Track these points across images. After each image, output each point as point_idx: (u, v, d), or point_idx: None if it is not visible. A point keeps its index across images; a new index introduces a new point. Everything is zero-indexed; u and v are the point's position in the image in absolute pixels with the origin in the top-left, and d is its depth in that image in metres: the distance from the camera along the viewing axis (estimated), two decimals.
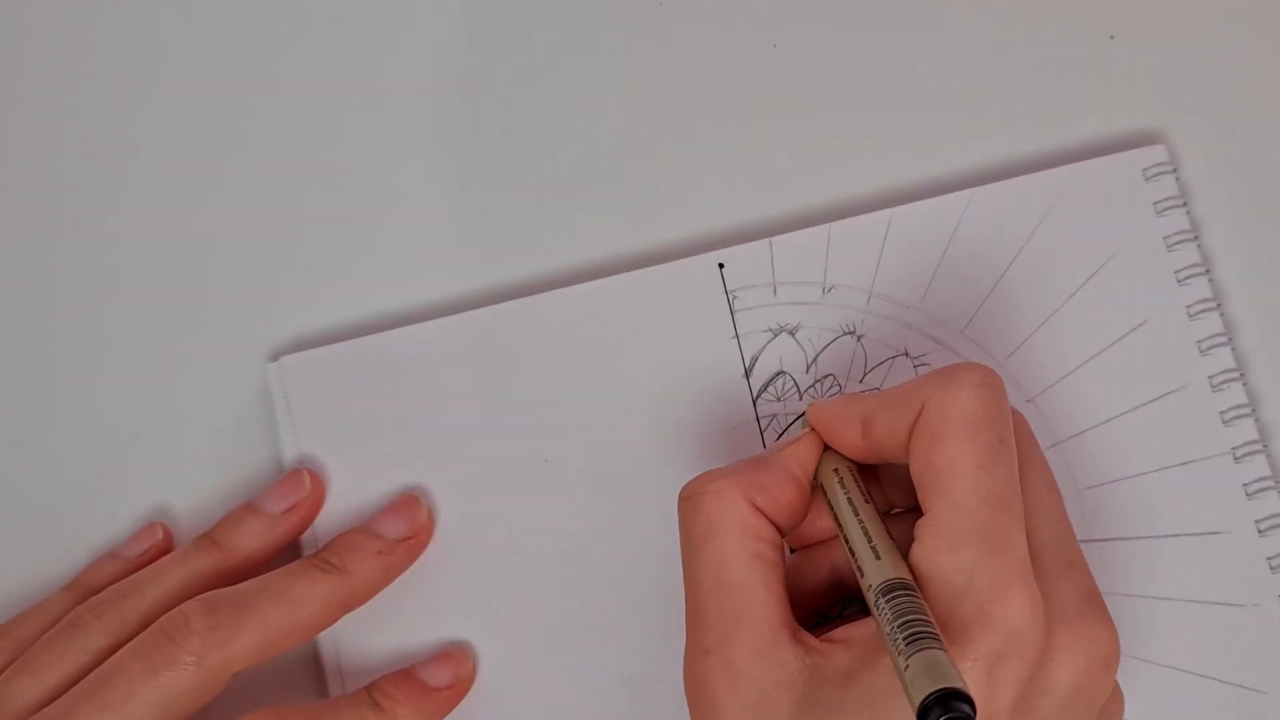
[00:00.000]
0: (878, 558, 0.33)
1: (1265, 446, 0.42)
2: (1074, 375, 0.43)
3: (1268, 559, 0.41)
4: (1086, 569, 0.34)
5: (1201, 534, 0.42)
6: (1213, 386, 0.43)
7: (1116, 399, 0.43)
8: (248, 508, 0.41)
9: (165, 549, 0.42)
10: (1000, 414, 0.34)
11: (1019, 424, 0.36)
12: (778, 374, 0.43)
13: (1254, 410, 0.43)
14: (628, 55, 0.47)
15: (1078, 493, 0.42)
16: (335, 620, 0.40)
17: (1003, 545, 0.32)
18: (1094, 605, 0.34)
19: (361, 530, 0.41)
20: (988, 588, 0.31)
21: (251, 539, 0.41)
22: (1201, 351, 0.43)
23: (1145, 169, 0.44)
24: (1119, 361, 0.43)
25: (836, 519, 0.35)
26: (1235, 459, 0.42)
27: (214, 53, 0.47)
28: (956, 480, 0.33)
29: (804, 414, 0.42)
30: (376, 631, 0.42)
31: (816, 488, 0.37)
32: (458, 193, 0.46)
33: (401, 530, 0.41)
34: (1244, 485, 0.42)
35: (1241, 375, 0.43)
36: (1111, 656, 0.34)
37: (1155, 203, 0.44)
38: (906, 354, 0.43)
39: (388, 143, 0.46)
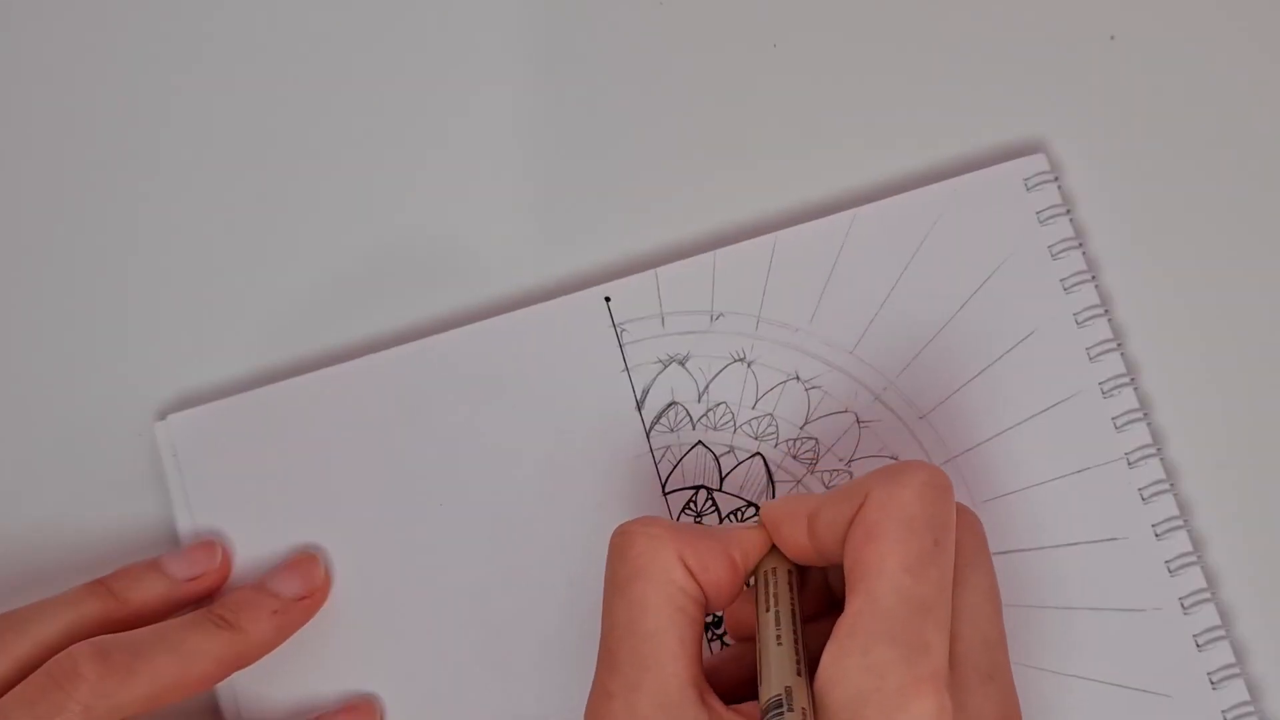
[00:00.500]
0: (771, 672, 0.32)
1: (1159, 450, 0.42)
2: (966, 389, 0.43)
3: (1166, 562, 0.42)
4: (1010, 684, 0.34)
5: (1099, 541, 0.42)
6: (1104, 393, 0.43)
7: (1009, 410, 0.43)
8: (153, 565, 0.41)
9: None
10: (940, 516, 0.33)
11: (970, 526, 0.35)
12: (670, 405, 0.43)
13: (1145, 414, 0.43)
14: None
15: (974, 505, 0.42)
16: (227, 676, 0.40)
17: (916, 650, 0.31)
18: None
19: (257, 588, 0.41)
20: (895, 692, 0.31)
21: (149, 597, 0.40)
22: (1091, 358, 0.43)
23: (1027, 179, 0.44)
24: (1010, 373, 0.43)
25: (758, 621, 0.35)
26: (1129, 464, 0.42)
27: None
28: (882, 580, 0.32)
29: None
30: (277, 682, 0.41)
31: (753, 583, 0.36)
32: (347, 233, 0.46)
33: (297, 589, 0.41)
34: (1139, 490, 0.42)
35: (1132, 380, 0.43)
36: None
37: (1038, 212, 0.44)
38: (798, 378, 0.43)
39: (273, 187, 0.46)
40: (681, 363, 0.43)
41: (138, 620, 0.40)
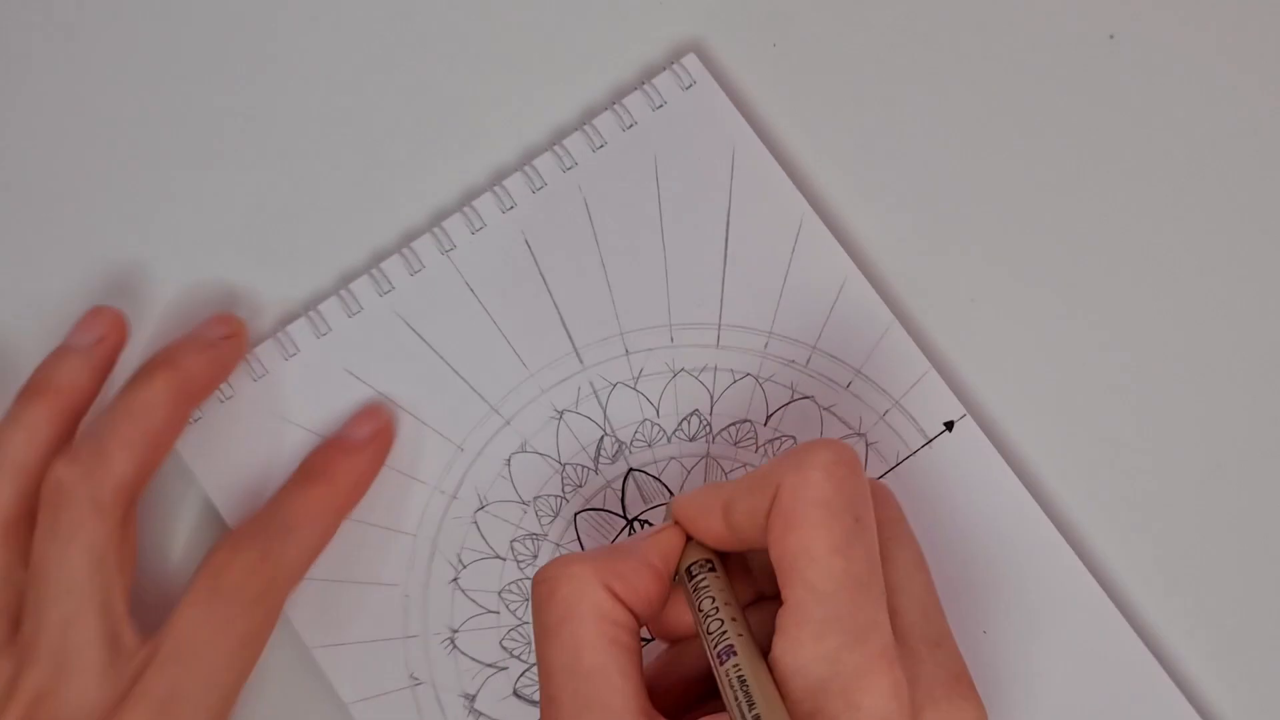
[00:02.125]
0: (721, 662, 0.33)
1: None
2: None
3: None
4: (954, 647, 0.35)
5: None
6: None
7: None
8: (61, 350, 0.42)
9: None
10: (855, 492, 0.34)
11: (884, 498, 0.36)
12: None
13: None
14: None
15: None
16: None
17: (864, 629, 0.32)
18: (961, 684, 0.34)
19: (187, 337, 0.42)
20: (852, 675, 0.32)
21: (74, 373, 0.41)
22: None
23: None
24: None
25: (695, 619, 0.35)
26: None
27: None
28: (813, 566, 0.32)
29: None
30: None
31: (679, 581, 0.36)
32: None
33: (221, 330, 0.43)
34: None
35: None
36: None
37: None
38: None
39: None
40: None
41: (81, 403, 0.41)
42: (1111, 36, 0.45)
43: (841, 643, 0.32)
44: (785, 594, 0.33)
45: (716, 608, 0.34)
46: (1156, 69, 0.45)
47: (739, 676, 0.32)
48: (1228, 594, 0.42)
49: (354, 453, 0.42)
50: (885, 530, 0.35)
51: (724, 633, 0.33)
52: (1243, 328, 0.44)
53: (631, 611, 0.34)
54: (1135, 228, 0.45)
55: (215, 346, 0.42)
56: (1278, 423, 0.43)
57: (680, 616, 0.37)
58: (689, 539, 0.36)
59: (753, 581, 0.37)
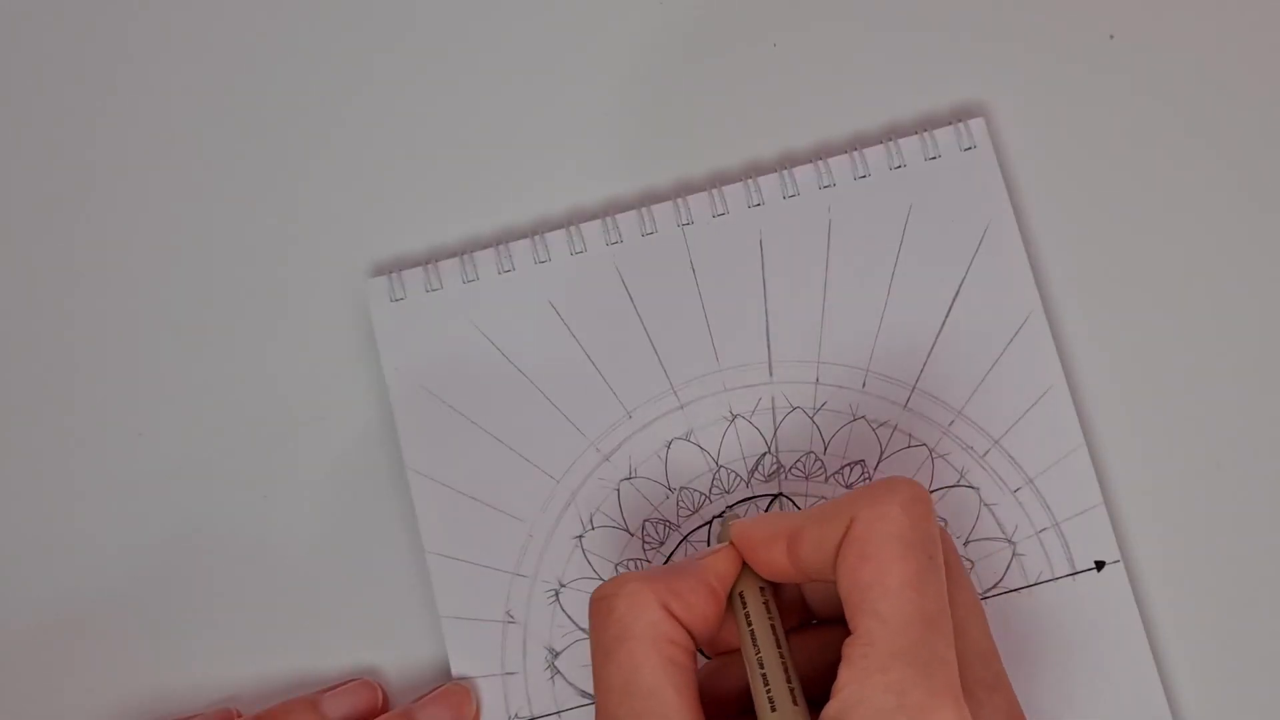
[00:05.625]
0: (773, 709, 0.33)
1: None
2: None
3: None
4: (1010, 691, 0.35)
5: None
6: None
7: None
8: (310, 705, 0.42)
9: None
10: (929, 531, 0.34)
11: (946, 543, 0.36)
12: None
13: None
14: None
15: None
16: None
17: (932, 664, 0.32)
18: None
19: (403, 715, 0.42)
20: (918, 708, 0.32)
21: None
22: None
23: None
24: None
25: (743, 647, 0.36)
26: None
27: None
28: (886, 599, 0.33)
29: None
30: None
31: (732, 602, 0.37)
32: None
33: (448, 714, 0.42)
34: None
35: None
36: None
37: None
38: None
39: None
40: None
41: None
42: (1111, 37, 0.45)
43: (909, 676, 0.32)
44: (854, 624, 0.33)
45: (759, 651, 0.35)
46: (1156, 69, 0.45)
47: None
48: None
49: None
50: (947, 572, 0.35)
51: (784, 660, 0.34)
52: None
53: (688, 630, 0.35)
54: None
55: None
56: None
57: (729, 631, 0.37)
58: (744, 566, 0.37)
59: (803, 604, 0.38)
